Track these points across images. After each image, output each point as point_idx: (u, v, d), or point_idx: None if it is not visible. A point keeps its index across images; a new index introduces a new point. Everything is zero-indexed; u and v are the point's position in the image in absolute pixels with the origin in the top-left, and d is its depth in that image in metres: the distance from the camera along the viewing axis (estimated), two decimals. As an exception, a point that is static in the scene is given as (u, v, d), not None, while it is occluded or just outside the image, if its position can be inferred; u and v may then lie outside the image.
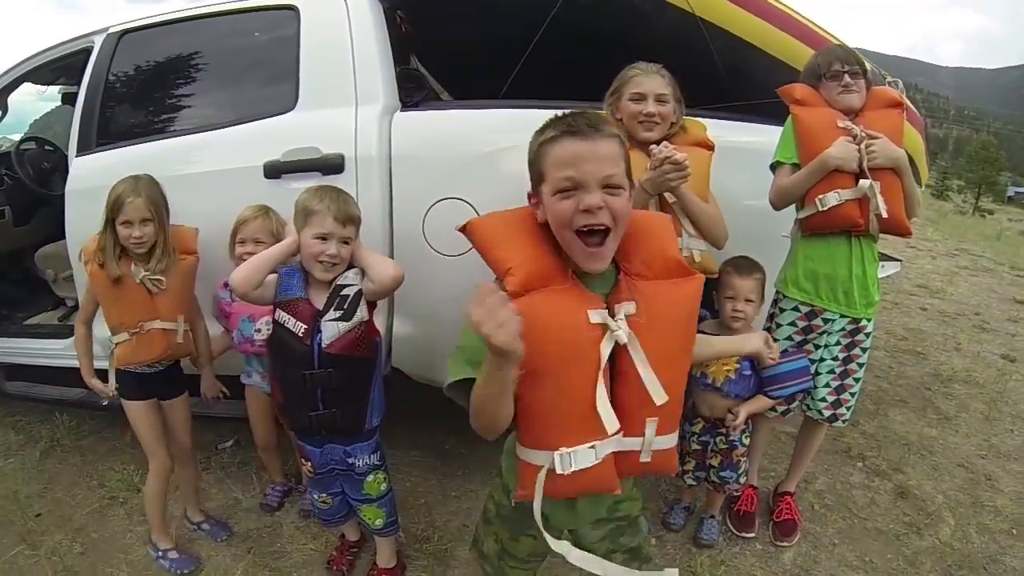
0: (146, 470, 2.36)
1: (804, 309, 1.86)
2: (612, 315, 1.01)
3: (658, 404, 1.03)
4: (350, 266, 1.59)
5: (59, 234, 2.90)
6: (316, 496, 1.77)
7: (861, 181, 1.69)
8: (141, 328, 1.78)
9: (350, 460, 1.67)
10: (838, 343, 1.89)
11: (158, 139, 2.09)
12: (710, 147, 1.78)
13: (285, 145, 1.89)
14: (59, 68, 2.49)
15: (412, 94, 1.97)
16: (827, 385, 1.93)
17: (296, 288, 1.58)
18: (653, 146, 1.61)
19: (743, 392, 1.85)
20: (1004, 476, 2.41)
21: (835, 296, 1.82)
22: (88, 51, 2.27)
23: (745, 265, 1.81)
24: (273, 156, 1.89)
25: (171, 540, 2.02)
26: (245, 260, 1.74)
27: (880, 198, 1.68)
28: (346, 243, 1.55)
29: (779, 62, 2.08)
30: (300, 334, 1.54)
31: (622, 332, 0.98)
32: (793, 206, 1.84)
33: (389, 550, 1.86)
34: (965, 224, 13.95)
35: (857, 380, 1.94)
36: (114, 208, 1.73)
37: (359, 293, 1.55)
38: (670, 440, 1.10)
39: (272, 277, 1.58)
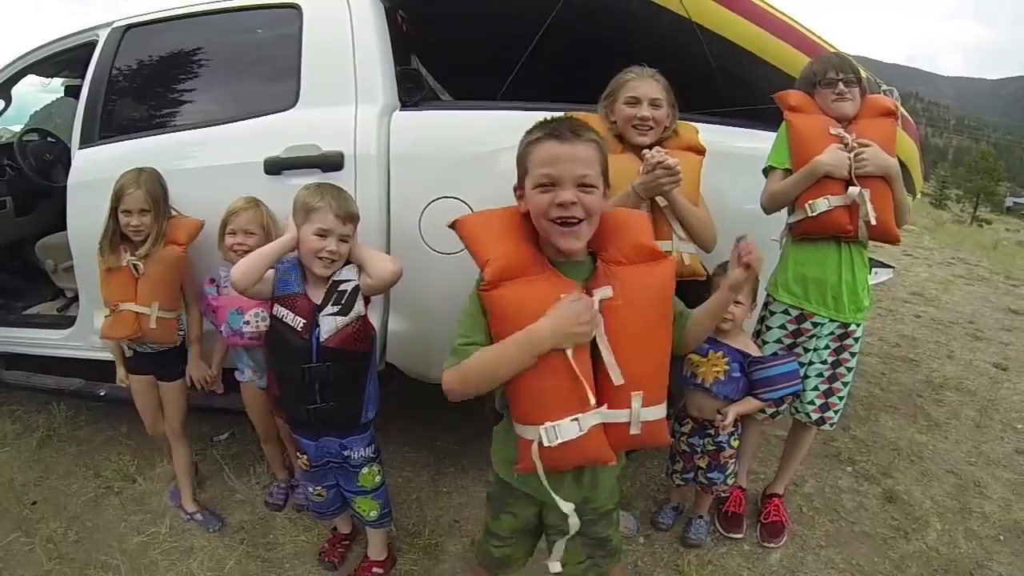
0: (142, 461, 2.41)
1: (794, 312, 1.88)
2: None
3: (616, 384, 1.13)
4: (347, 262, 1.61)
5: (60, 225, 2.92)
6: (311, 489, 1.79)
7: (850, 188, 1.71)
8: (117, 307, 1.88)
9: (345, 453, 1.69)
10: (827, 347, 1.91)
11: (160, 133, 2.12)
12: (701, 152, 1.80)
13: (286, 142, 1.91)
14: (63, 61, 2.51)
15: (411, 94, 1.99)
16: (815, 388, 1.95)
17: (294, 283, 1.61)
18: (646, 151, 1.62)
19: (732, 394, 1.86)
20: (993, 483, 2.44)
21: (824, 301, 1.84)
22: (93, 44, 2.29)
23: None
24: (274, 152, 1.91)
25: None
26: (235, 251, 1.81)
27: (870, 205, 1.71)
28: (345, 240, 1.58)
29: (774, 68, 2.10)
30: (299, 328, 1.56)
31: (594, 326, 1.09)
32: (785, 210, 1.85)
33: (380, 542, 1.88)
34: (962, 233, 13.97)
35: (845, 384, 1.96)
36: (116, 197, 1.83)
37: (356, 288, 1.58)
38: (658, 412, 1.17)
39: (270, 272, 1.60)
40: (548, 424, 1.10)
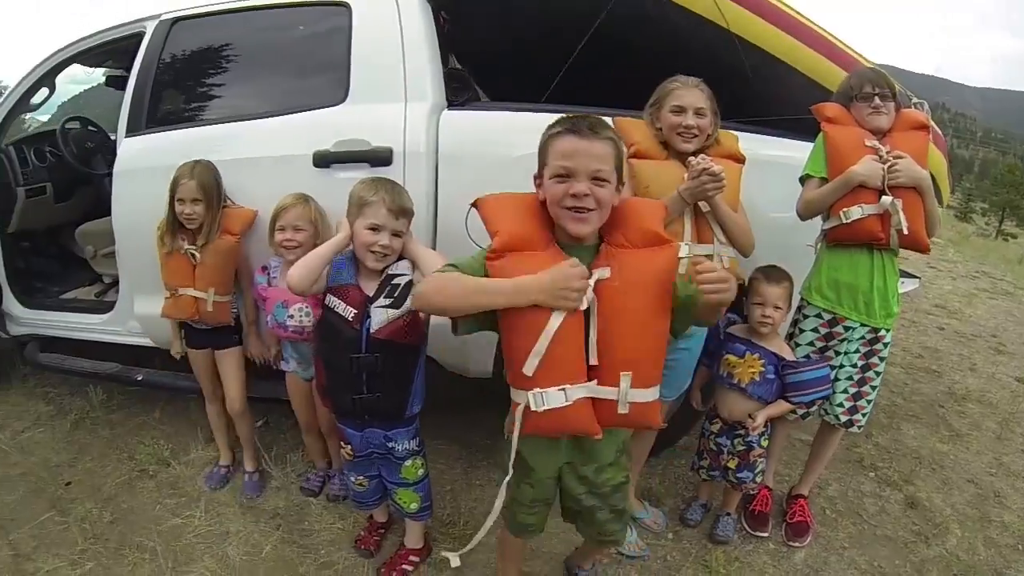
0: (176, 446, 2.55)
1: (826, 316, 2.00)
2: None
3: (591, 363, 1.26)
4: (401, 257, 1.72)
5: (97, 212, 3.08)
6: (353, 479, 1.90)
7: (883, 197, 1.83)
8: (176, 291, 2.06)
9: (390, 444, 1.79)
10: (857, 351, 2.03)
11: (207, 124, 2.25)
12: (741, 160, 1.91)
13: (335, 136, 2.03)
14: (108, 52, 2.64)
15: (458, 94, 2.12)
16: (845, 391, 2.07)
17: (347, 275, 1.72)
18: (691, 157, 1.74)
19: (766, 395, 1.98)
20: (1012, 493, 2.55)
21: (856, 305, 1.96)
22: (139, 36, 2.42)
23: (775, 274, 1.95)
24: (323, 146, 2.04)
25: (227, 458, 2.41)
26: (284, 246, 1.94)
27: (902, 215, 1.82)
28: (398, 235, 1.68)
29: (808, 80, 2.23)
30: (349, 318, 1.66)
31: (583, 298, 1.21)
32: (815, 219, 1.98)
33: (418, 532, 2.00)
34: (987, 247, 14.04)
35: (874, 388, 2.08)
36: (173, 186, 2.00)
37: (410, 283, 1.67)
38: (648, 395, 1.28)
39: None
40: (537, 390, 1.23)
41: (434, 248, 1.99)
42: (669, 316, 1.30)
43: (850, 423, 2.10)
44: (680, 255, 1.54)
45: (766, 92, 2.25)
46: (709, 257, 1.75)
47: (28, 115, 3.14)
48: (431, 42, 2.12)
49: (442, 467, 2.47)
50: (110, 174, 3.15)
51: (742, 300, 1.96)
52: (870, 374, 2.06)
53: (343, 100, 2.10)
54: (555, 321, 1.21)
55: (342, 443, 1.87)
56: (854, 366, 2.06)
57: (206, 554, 2.08)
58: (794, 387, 1.97)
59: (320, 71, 2.19)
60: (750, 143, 2.00)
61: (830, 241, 1.98)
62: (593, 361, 1.26)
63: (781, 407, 2.00)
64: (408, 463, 1.83)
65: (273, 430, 2.59)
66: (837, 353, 2.04)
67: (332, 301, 1.71)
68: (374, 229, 1.66)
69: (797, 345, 2.06)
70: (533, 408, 1.24)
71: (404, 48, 2.08)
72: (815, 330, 2.04)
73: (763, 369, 1.97)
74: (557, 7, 2.32)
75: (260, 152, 2.11)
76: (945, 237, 10.70)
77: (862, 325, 1.99)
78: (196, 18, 2.37)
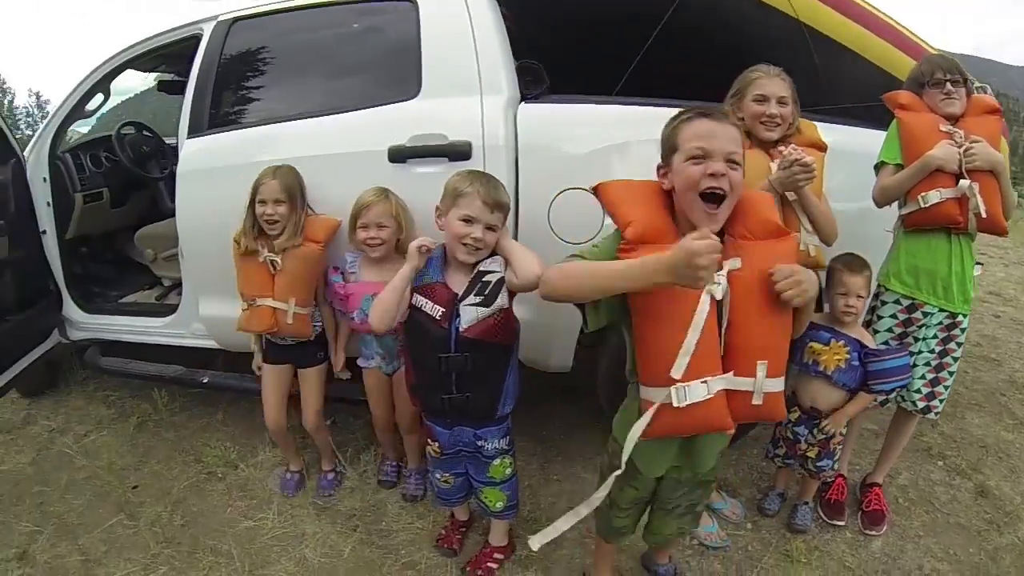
0: (243, 448, 2.34)
1: (905, 302, 1.86)
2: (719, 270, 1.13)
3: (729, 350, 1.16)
4: (494, 253, 1.55)
5: (152, 216, 2.88)
6: (438, 475, 1.73)
7: (961, 181, 1.70)
8: (254, 302, 1.86)
9: (480, 443, 1.63)
10: (935, 336, 1.89)
11: (273, 123, 2.06)
12: (823, 148, 1.79)
13: (410, 131, 1.86)
14: (162, 56, 2.45)
15: (531, 87, 1.94)
16: (923, 377, 1.93)
17: (434, 271, 1.56)
18: (782, 147, 1.63)
19: (851, 382, 1.83)
20: (1080, 481, 2.38)
21: (935, 290, 1.82)
22: (196, 38, 2.24)
23: (856, 263, 1.82)
24: (398, 141, 1.86)
25: (298, 464, 2.20)
26: (368, 244, 1.78)
27: (979, 198, 1.70)
28: (491, 229, 1.52)
29: (874, 67, 2.08)
30: (437, 317, 1.50)
31: (719, 288, 1.11)
32: (888, 207, 1.85)
33: (502, 529, 1.84)
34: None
35: (951, 374, 1.93)
36: (254, 189, 1.82)
37: (501, 281, 1.51)
38: (778, 384, 1.19)
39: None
40: (680, 384, 1.11)
41: (516, 239, 1.80)
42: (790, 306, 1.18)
43: (927, 409, 1.95)
44: None
45: (832, 80, 2.08)
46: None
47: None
48: (502, 35, 1.95)
49: (520, 463, 2.26)
50: (164, 178, 2.99)
51: (822, 288, 1.80)
52: (947, 360, 1.92)
53: (416, 95, 1.91)
54: (701, 316, 1.09)
55: (429, 440, 1.70)
56: (932, 352, 1.91)
57: (283, 556, 1.90)
58: (876, 375, 1.82)
59: (389, 66, 2.02)
60: (822, 132, 1.84)
61: (908, 226, 1.85)
62: (732, 350, 1.16)
63: (861, 402, 1.85)
64: (497, 462, 1.67)
65: (342, 429, 2.40)
66: (916, 339, 1.89)
67: (419, 300, 1.55)
68: (467, 221, 1.50)
69: (876, 332, 1.92)
70: (675, 404, 1.13)
71: (476, 41, 1.91)
72: (894, 316, 1.89)
73: (848, 356, 1.83)
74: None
75: (331, 149, 1.93)
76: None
77: (940, 310, 1.85)
78: (256, 17, 2.18)
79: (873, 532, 2.01)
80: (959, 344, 1.90)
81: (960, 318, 1.86)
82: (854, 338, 1.83)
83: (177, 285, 2.64)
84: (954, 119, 1.79)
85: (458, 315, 1.49)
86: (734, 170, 1.14)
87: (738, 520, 2.04)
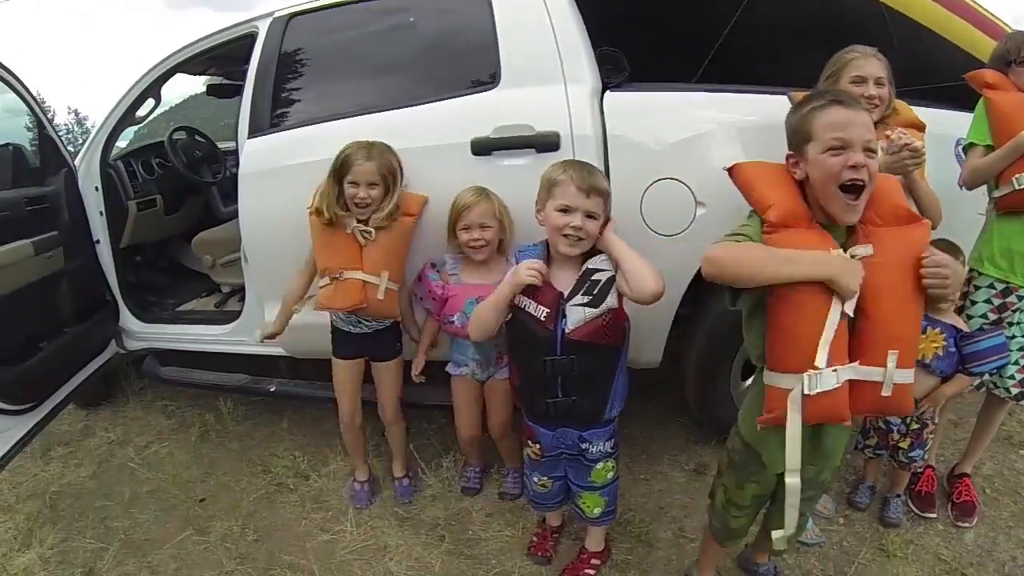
0: (312, 458, 2.08)
1: (999, 287, 1.65)
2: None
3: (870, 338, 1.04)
4: (600, 252, 1.32)
5: (206, 222, 2.61)
6: (535, 479, 1.52)
7: None
8: (341, 275, 1.59)
9: (584, 445, 1.41)
10: (1030, 320, 1.66)
11: (340, 118, 1.80)
12: (922, 128, 1.57)
13: (493, 122, 1.62)
14: (214, 57, 2.18)
15: (612, 75, 1.69)
16: (1016, 363, 1.70)
17: None
18: (889, 131, 1.43)
19: (948, 368, 1.61)
20: None
21: None
22: (251, 37, 1.98)
23: (950, 248, 1.59)
24: (481, 133, 1.62)
25: (364, 473, 1.92)
26: (471, 246, 1.56)
27: None
28: (592, 217, 1.30)
29: (954, 47, 1.85)
30: (542, 318, 1.30)
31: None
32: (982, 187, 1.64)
33: (599, 534, 1.61)
34: None
35: None
36: (343, 165, 1.56)
37: (611, 280, 1.29)
38: (908, 375, 1.07)
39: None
40: (812, 372, 1.01)
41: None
42: (925, 292, 1.07)
43: (1021, 395, 1.72)
44: None
45: (911, 60, 1.85)
46: None
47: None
48: (579, 21, 1.71)
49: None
50: (217, 182, 2.71)
51: None
52: (1043, 344, 1.67)
53: (495, 84, 1.67)
54: (838, 306, 1.00)
55: (529, 441, 1.47)
56: (1026, 336, 1.66)
57: (367, 571, 1.68)
58: (973, 357, 1.60)
59: (463, 56, 1.77)
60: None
61: (1000, 209, 1.63)
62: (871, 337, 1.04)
63: (961, 383, 1.61)
64: (600, 466, 1.44)
65: (416, 435, 2.13)
66: (1010, 324, 1.66)
67: (522, 300, 1.34)
68: (564, 210, 1.29)
69: (969, 317, 1.71)
70: (807, 391, 1.02)
71: (554, 29, 1.67)
72: (988, 301, 1.68)
73: (945, 343, 1.60)
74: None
75: (409, 143, 1.68)
76: None
77: None
78: (314, 12, 1.92)
79: (965, 524, 1.79)
80: (1055, 329, 1.68)
81: None
82: (949, 324, 1.61)
83: (236, 291, 2.38)
84: None
85: (564, 316, 1.29)
86: (871, 159, 1.04)
87: (830, 515, 1.81)
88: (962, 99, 1.69)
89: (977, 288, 1.68)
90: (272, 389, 1.99)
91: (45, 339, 2.00)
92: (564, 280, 1.32)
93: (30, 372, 1.91)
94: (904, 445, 1.71)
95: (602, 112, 1.62)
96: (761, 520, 1.38)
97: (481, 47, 1.70)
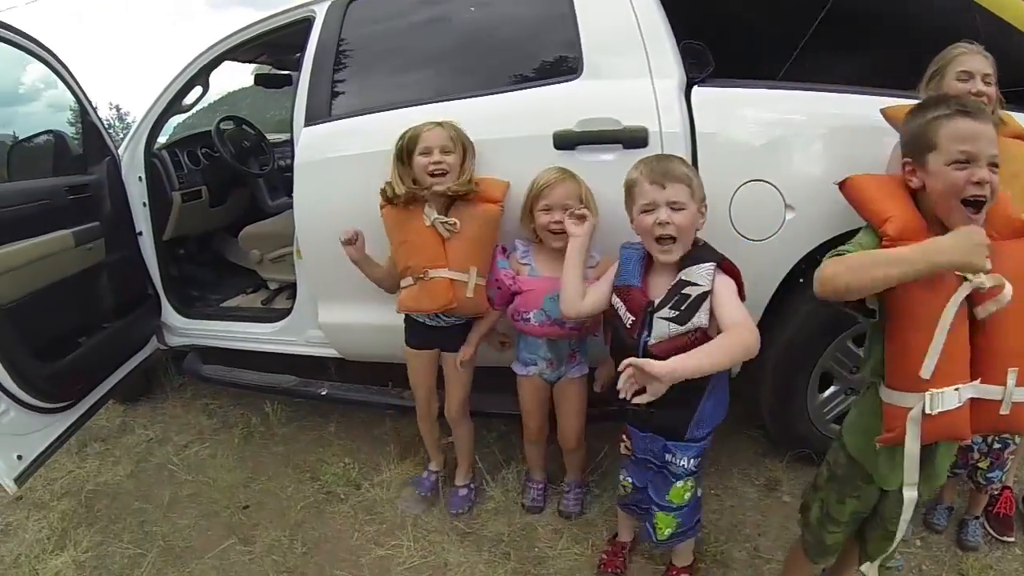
0: (363, 465, 1.82)
1: None
2: None
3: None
4: (700, 257, 1.10)
5: (252, 216, 2.35)
6: (622, 476, 1.34)
7: None
8: (425, 274, 1.36)
9: (668, 456, 1.21)
10: None
11: (405, 106, 1.55)
12: None
13: (576, 115, 1.39)
14: (266, 44, 1.93)
15: (695, 70, 1.45)
16: None
17: (633, 273, 1.16)
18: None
19: None
20: None
21: None
22: (307, 21, 1.72)
23: None
24: (563, 126, 1.39)
25: (439, 463, 1.70)
26: (552, 230, 1.32)
27: None
28: (677, 208, 1.09)
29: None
30: (628, 325, 1.12)
31: (985, 279, 0.88)
32: None
33: (687, 548, 1.39)
34: None
35: None
36: (410, 140, 1.36)
37: (703, 297, 1.07)
38: None
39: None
40: (935, 391, 0.90)
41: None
42: None
43: None
44: None
45: (1000, 63, 1.62)
46: None
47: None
48: (662, 12, 1.45)
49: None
50: (264, 175, 2.45)
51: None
52: None
53: (576, 75, 1.43)
54: (951, 310, 0.89)
55: (624, 436, 1.30)
56: None
57: None
58: None
59: (541, 43, 1.53)
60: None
61: None
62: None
63: None
64: (680, 484, 1.22)
65: (476, 444, 1.76)
66: None
67: (616, 302, 1.16)
68: (647, 210, 1.10)
69: None
70: (928, 411, 0.91)
71: (638, 18, 1.43)
72: None
73: None
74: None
75: (485, 134, 1.44)
76: None
77: None
78: (375, -4, 1.65)
79: (1045, 549, 1.56)
80: None
81: None
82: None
83: (284, 288, 2.12)
84: None
85: (649, 326, 1.09)
86: (995, 174, 0.93)
87: (907, 537, 1.57)
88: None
89: None
90: (323, 393, 1.74)
91: (84, 334, 1.75)
92: (659, 287, 1.12)
93: (67, 368, 1.67)
94: (983, 465, 1.49)
95: (689, 108, 1.40)
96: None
97: (560, 34, 1.46)
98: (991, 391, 0.93)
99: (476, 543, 1.54)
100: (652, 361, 0.98)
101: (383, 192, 1.38)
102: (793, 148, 1.41)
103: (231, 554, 1.59)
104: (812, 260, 1.43)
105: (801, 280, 1.55)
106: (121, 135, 2.27)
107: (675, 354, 1.05)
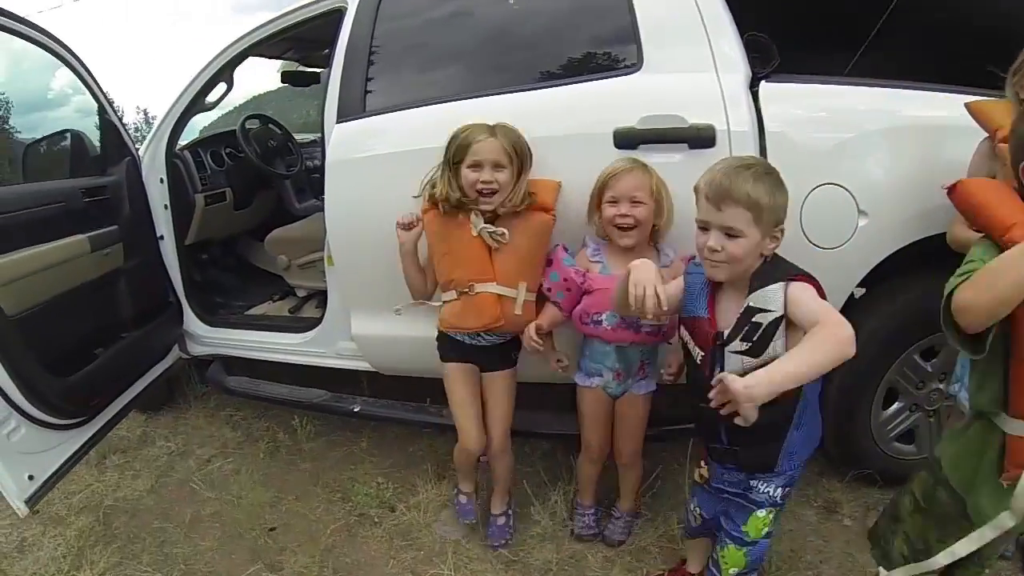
0: (398, 485, 1.61)
1: None
2: None
3: None
4: (767, 277, 0.88)
5: (278, 219, 2.14)
6: (692, 505, 1.15)
7: None
8: (471, 289, 1.17)
9: (752, 482, 1.01)
10: None
11: (448, 101, 1.36)
12: None
13: (638, 111, 1.19)
14: (293, 38, 1.73)
15: (758, 64, 1.25)
16: None
17: (698, 303, 0.95)
18: None
19: None
20: None
21: None
22: (338, 12, 1.52)
23: None
24: (624, 123, 1.19)
25: (471, 484, 1.44)
26: (619, 225, 1.13)
27: None
28: (733, 235, 0.87)
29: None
30: (698, 361, 0.94)
31: None
32: None
33: None
34: None
35: None
36: (460, 149, 1.15)
37: (776, 324, 0.86)
38: None
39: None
40: None
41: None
42: None
43: None
44: None
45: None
46: None
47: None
48: (725, 3, 1.24)
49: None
50: (291, 176, 2.24)
51: None
52: None
53: (637, 68, 1.22)
54: None
55: (702, 462, 1.10)
56: None
57: None
58: None
59: (596, 32, 1.32)
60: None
61: None
62: None
63: None
64: (761, 514, 1.02)
65: (520, 462, 1.57)
66: None
67: (684, 333, 0.99)
68: (701, 228, 0.91)
69: None
70: None
71: (700, 8, 1.23)
72: None
73: None
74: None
75: (536, 130, 1.23)
76: None
77: None
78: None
79: None
80: None
81: None
82: None
83: (313, 296, 1.92)
84: None
85: (722, 361, 0.90)
86: None
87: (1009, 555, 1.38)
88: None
89: None
90: (356, 409, 1.53)
91: (100, 345, 1.55)
92: (731, 312, 0.90)
93: (82, 382, 1.47)
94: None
95: (757, 105, 1.20)
96: None
97: (616, 24, 1.25)
98: None
99: (523, 571, 1.33)
100: (733, 378, 0.78)
101: (430, 194, 1.18)
102: (868, 149, 1.21)
103: (257, 580, 1.40)
104: (879, 270, 1.25)
105: (865, 290, 1.37)
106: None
107: None
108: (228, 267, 2.21)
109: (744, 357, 0.87)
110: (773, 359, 0.85)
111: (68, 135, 1.76)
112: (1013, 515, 0.83)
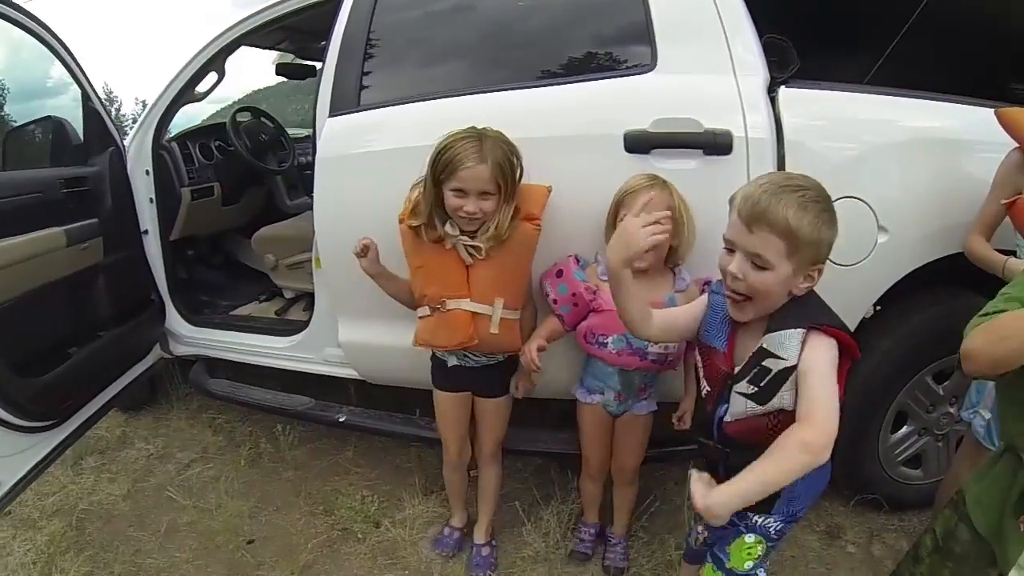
0: (383, 499, 1.51)
1: None
2: None
3: None
4: (780, 319, 0.77)
5: (267, 216, 2.03)
6: (697, 524, 1.01)
7: None
8: (443, 305, 1.06)
9: (749, 512, 0.88)
10: None
11: (448, 96, 1.24)
12: None
13: (650, 113, 1.09)
14: (285, 28, 1.60)
15: (777, 68, 1.15)
16: None
17: (718, 332, 0.83)
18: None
19: None
20: None
21: None
22: (335, 1, 1.40)
23: None
24: (635, 125, 1.08)
25: (462, 519, 1.37)
26: None
27: None
28: (759, 266, 0.73)
29: None
30: (703, 395, 0.86)
31: None
32: None
33: None
34: None
35: None
36: (446, 169, 1.01)
37: (785, 373, 0.74)
38: None
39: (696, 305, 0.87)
40: None
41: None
42: None
43: None
44: None
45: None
46: None
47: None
48: (743, 3, 1.15)
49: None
50: (282, 172, 2.13)
51: None
52: None
53: (650, 67, 1.12)
54: None
55: None
56: None
57: None
58: None
59: (607, 28, 1.20)
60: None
61: None
62: None
63: None
64: (749, 539, 0.88)
65: (510, 478, 1.49)
66: None
67: (697, 359, 0.88)
68: (728, 248, 0.77)
69: None
70: None
71: (718, 7, 1.13)
72: None
73: None
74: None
75: (538, 131, 1.12)
76: None
77: None
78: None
79: None
80: None
81: None
82: None
83: (301, 298, 1.81)
84: None
85: (727, 399, 0.80)
86: None
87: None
88: None
89: None
90: (342, 419, 1.42)
91: (75, 344, 1.43)
92: (747, 348, 0.79)
93: (54, 383, 1.35)
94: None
95: (775, 111, 1.09)
96: None
97: (628, 20, 1.15)
98: None
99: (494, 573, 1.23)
100: (697, 489, 0.72)
101: (412, 207, 1.06)
102: (890, 161, 1.12)
103: (233, 597, 1.29)
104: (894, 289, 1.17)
105: (879, 308, 1.28)
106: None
107: (748, 436, 0.77)
108: (215, 264, 2.08)
109: (749, 401, 0.76)
110: (779, 411, 0.74)
111: (50, 122, 1.65)
112: None
